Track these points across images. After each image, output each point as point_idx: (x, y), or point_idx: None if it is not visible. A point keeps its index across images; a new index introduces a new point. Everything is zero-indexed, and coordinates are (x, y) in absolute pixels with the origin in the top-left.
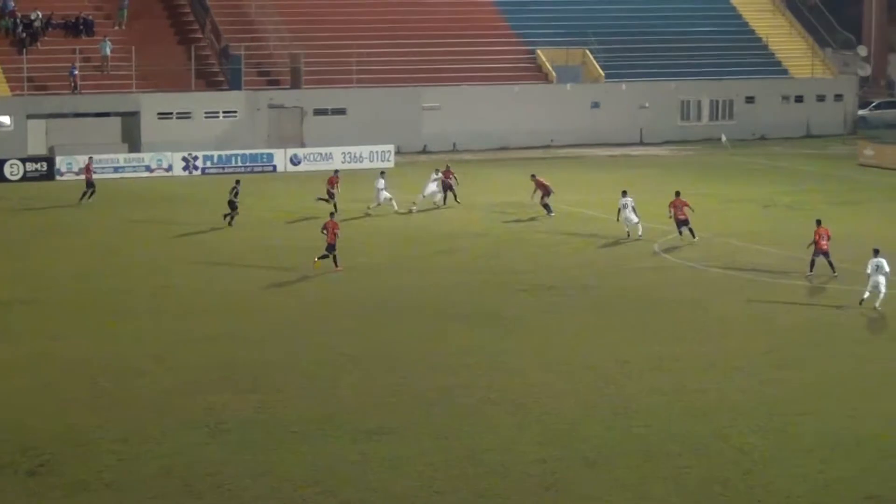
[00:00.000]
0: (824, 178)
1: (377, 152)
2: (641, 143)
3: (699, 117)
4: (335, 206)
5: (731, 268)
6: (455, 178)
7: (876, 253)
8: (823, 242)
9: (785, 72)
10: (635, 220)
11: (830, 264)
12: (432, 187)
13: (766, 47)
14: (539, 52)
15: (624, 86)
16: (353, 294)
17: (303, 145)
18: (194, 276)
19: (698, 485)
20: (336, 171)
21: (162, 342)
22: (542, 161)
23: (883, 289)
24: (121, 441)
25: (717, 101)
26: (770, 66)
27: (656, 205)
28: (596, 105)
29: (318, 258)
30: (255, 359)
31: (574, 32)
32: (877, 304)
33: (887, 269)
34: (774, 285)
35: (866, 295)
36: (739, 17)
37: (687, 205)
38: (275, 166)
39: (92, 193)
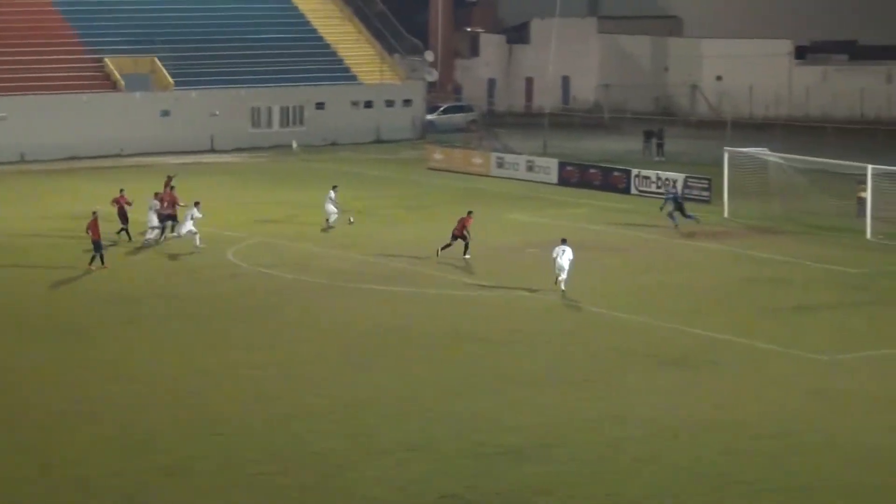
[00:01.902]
0: (395, 182)
1: None
2: (213, 151)
3: (270, 124)
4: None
5: (306, 273)
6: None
7: (563, 241)
8: (458, 228)
9: (354, 77)
10: (333, 210)
11: (465, 246)
12: (331, 208)
13: (335, 54)
14: (107, 60)
15: (194, 93)
16: None
17: None
18: None
19: (278, 491)
20: (168, 181)
21: None
22: (111, 170)
23: (564, 274)
24: None
25: (288, 108)
26: (339, 72)
27: (229, 212)
28: (166, 113)
29: (91, 261)
30: None
31: (142, 40)
32: (563, 287)
33: (571, 255)
34: (350, 290)
35: (562, 276)
36: (308, 23)
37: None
38: None
39: None
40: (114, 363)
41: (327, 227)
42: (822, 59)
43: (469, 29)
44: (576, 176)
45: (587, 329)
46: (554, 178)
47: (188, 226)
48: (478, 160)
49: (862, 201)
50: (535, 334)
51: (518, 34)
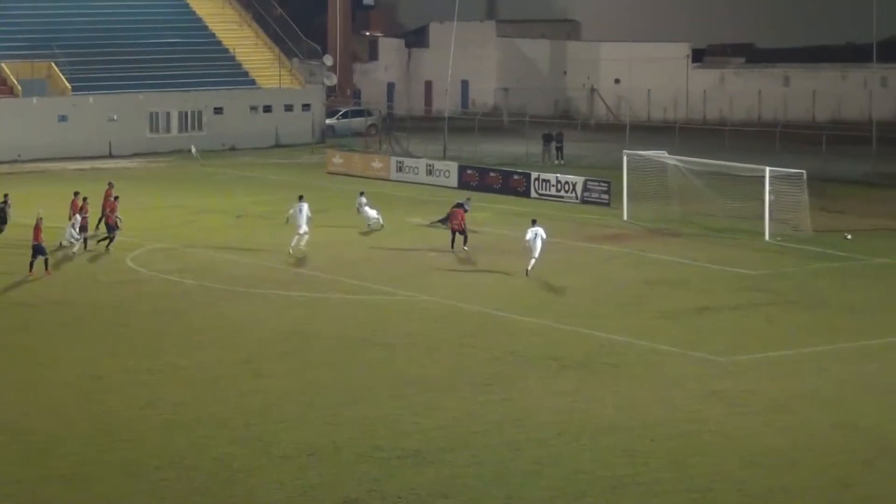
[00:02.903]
0: (295, 186)
1: None
2: (111, 156)
3: (168, 129)
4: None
5: (206, 279)
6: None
7: (534, 223)
8: (455, 222)
9: (253, 82)
10: (374, 214)
11: (465, 238)
12: (370, 212)
13: (233, 58)
14: (3, 65)
15: (92, 98)
16: None
17: None
18: None
19: (179, 497)
20: (109, 188)
21: None
22: (9, 176)
23: (537, 254)
24: None
25: (186, 113)
26: (238, 76)
27: (128, 218)
28: (63, 118)
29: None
30: None
31: (39, 45)
32: (528, 268)
33: (545, 235)
34: (250, 295)
35: (531, 265)
36: (206, 28)
37: None
38: None
39: None
40: (7, 369)
41: (376, 229)
42: (720, 62)
43: (367, 33)
44: (476, 179)
45: (487, 332)
46: (454, 181)
47: (370, 213)
48: (377, 164)
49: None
50: (436, 338)
51: (417, 38)
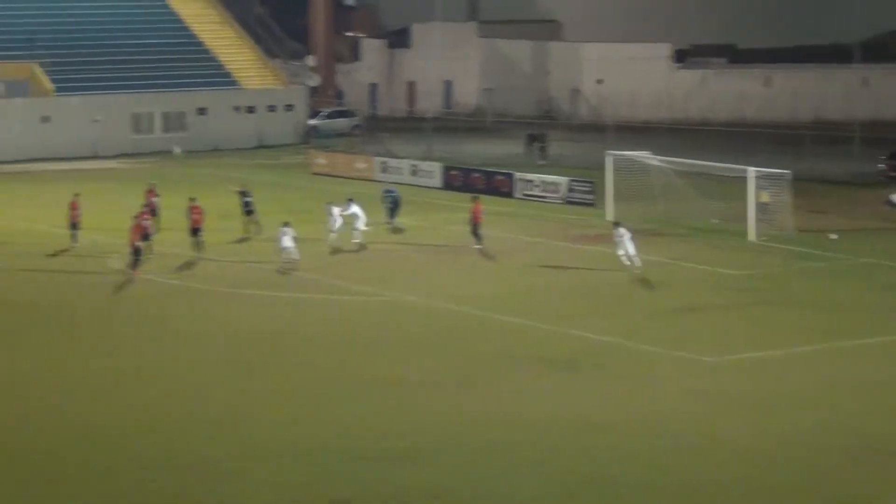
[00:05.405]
0: (279, 187)
1: None
2: (95, 157)
3: (152, 129)
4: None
5: (190, 279)
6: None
7: (616, 225)
8: (479, 217)
9: (235, 83)
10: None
11: (478, 236)
12: (339, 221)
13: (215, 59)
14: None
15: (75, 100)
16: None
17: None
18: None
19: (167, 497)
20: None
21: None
22: None
23: (633, 251)
24: None
25: (170, 113)
26: (220, 77)
27: (111, 218)
28: (46, 119)
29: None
30: None
31: (21, 46)
32: (638, 263)
33: (630, 235)
34: (236, 295)
35: (627, 262)
36: (187, 29)
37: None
38: None
39: None
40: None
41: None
42: (702, 63)
43: (350, 33)
44: (460, 180)
45: (472, 332)
46: (438, 182)
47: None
48: (361, 165)
49: (764, 205)
50: (420, 338)
51: (399, 39)
